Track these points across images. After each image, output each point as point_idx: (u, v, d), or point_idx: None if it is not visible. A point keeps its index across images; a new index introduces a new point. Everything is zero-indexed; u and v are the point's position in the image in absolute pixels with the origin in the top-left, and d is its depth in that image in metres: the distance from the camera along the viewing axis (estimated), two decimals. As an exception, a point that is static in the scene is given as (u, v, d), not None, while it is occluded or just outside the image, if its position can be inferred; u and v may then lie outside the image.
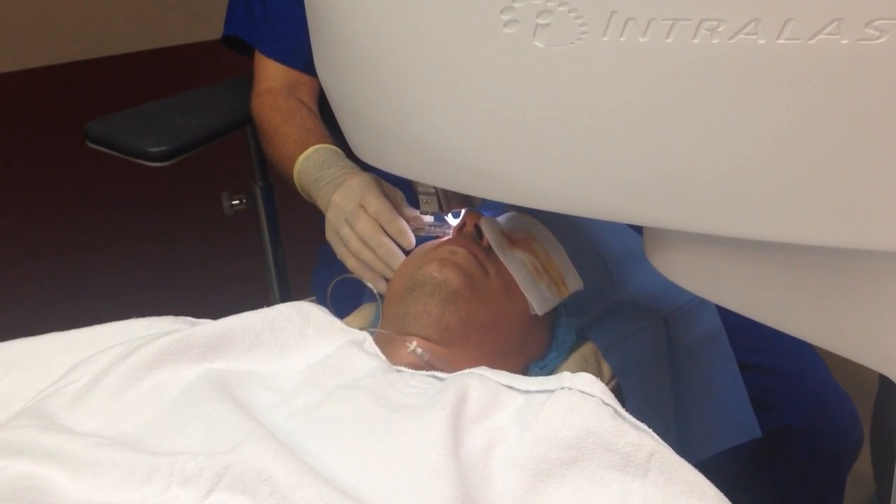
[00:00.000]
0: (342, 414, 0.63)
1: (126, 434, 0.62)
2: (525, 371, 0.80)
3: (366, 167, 0.78)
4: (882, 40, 0.45)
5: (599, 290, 0.90)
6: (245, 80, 1.18)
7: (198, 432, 0.61)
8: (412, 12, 0.55)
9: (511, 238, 0.82)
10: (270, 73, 1.13)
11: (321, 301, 0.91)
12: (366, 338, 0.74)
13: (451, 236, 0.84)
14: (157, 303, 0.93)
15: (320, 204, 0.93)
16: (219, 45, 1.21)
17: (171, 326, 0.74)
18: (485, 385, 0.63)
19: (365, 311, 0.92)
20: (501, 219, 0.85)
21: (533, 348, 0.81)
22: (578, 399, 0.59)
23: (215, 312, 0.76)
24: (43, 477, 0.58)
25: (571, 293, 0.83)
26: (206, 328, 0.70)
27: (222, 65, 1.29)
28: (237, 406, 0.63)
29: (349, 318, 0.89)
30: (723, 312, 0.90)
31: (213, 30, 1.25)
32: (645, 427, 0.58)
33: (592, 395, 0.59)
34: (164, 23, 1.63)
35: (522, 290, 0.79)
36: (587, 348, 0.85)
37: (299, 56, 1.11)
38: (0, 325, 0.88)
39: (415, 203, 0.87)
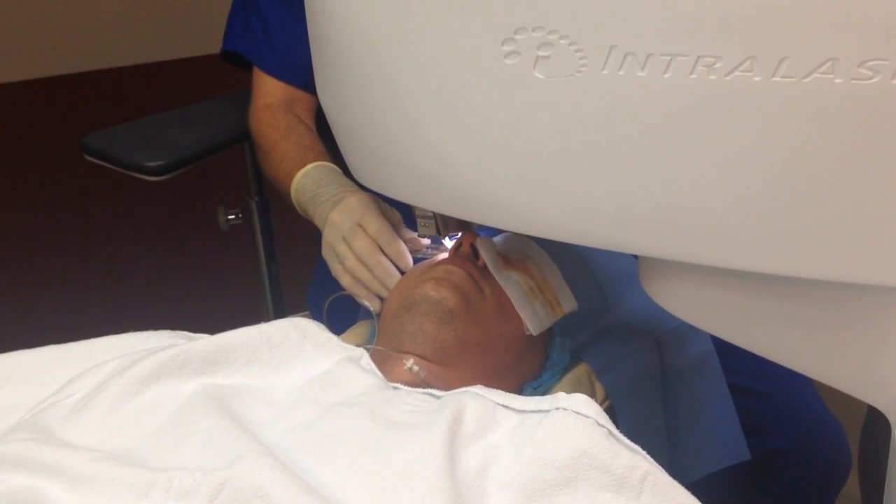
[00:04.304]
0: (339, 431, 0.63)
1: (123, 448, 0.63)
2: (519, 391, 0.80)
3: (363, 186, 0.79)
4: (875, 80, 0.46)
5: (593, 310, 0.91)
6: (243, 96, 1.18)
7: (195, 447, 0.61)
8: (415, 40, 0.57)
9: (507, 258, 0.83)
10: (268, 89, 1.13)
11: (316, 317, 0.91)
12: (362, 354, 0.75)
13: (447, 256, 0.85)
14: (152, 316, 0.93)
15: (317, 221, 0.94)
16: (218, 60, 1.22)
17: (169, 341, 0.74)
18: (481, 404, 0.64)
19: (360, 329, 0.92)
20: (497, 239, 0.86)
21: (527, 368, 0.82)
22: (573, 420, 0.59)
23: (209, 326, 0.77)
24: (40, 490, 0.58)
25: (566, 314, 0.83)
26: (203, 343, 0.71)
27: (221, 79, 1.30)
28: (234, 422, 0.63)
29: (345, 335, 0.90)
30: (714, 336, 0.91)
31: (212, 44, 1.26)
32: (639, 449, 0.59)
33: (587, 416, 0.59)
34: (163, 37, 1.63)
35: (517, 310, 0.80)
36: (581, 369, 0.85)
37: (298, 73, 1.11)
38: (-4, 338, 0.88)
39: (411, 225, 0.88)
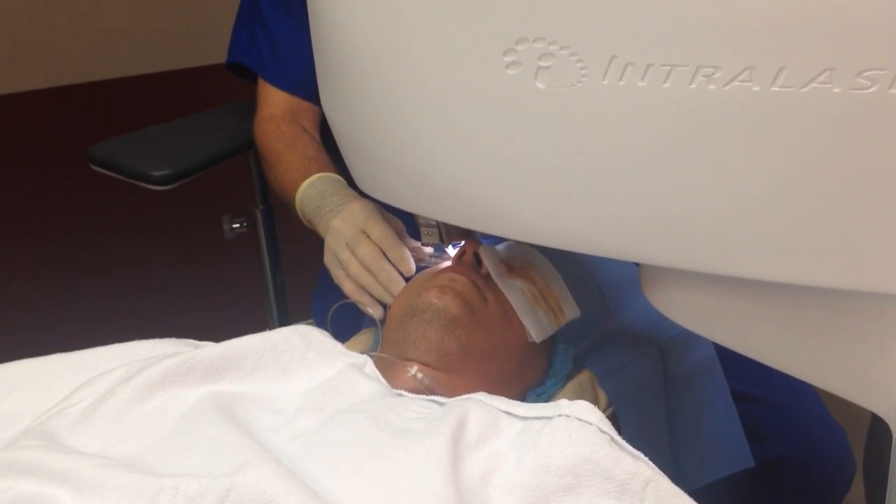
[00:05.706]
0: (343, 437, 0.63)
1: (130, 455, 0.63)
2: (522, 398, 0.81)
3: (367, 195, 0.79)
4: (872, 90, 0.46)
5: (596, 317, 0.91)
6: (248, 105, 1.19)
7: (201, 454, 0.61)
8: (417, 51, 0.57)
9: (509, 266, 0.84)
10: (273, 100, 1.14)
11: (320, 325, 0.92)
12: (366, 361, 0.75)
13: (450, 264, 0.86)
14: (157, 324, 0.94)
15: (321, 231, 0.94)
16: (223, 70, 1.22)
17: (175, 348, 0.75)
18: (484, 411, 0.64)
19: (364, 337, 0.93)
20: (500, 247, 0.86)
21: (530, 375, 0.82)
22: (576, 426, 0.60)
23: (214, 334, 0.77)
24: (48, 497, 0.58)
25: (569, 321, 0.84)
26: (209, 350, 0.71)
27: (226, 89, 1.31)
28: (240, 428, 0.63)
29: (349, 343, 0.90)
30: (717, 343, 0.92)
31: (217, 54, 1.27)
32: (641, 455, 0.59)
33: (590, 423, 0.60)
34: (168, 47, 1.65)
35: (520, 317, 0.80)
36: (584, 376, 0.86)
37: (302, 84, 1.12)
38: (3, 346, 0.89)
39: (414, 234, 0.89)
